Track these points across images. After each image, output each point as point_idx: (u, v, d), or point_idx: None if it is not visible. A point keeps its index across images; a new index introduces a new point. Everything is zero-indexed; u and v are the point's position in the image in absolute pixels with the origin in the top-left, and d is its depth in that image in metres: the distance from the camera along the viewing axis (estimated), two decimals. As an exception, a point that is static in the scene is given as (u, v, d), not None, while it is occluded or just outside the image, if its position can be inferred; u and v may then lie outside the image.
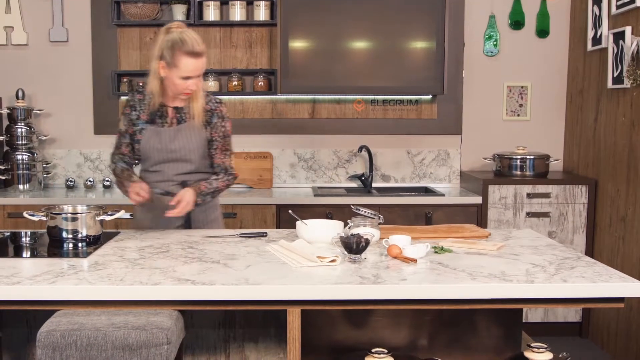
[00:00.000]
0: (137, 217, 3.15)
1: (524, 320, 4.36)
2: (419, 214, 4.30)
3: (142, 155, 3.04)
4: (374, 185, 4.82)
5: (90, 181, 4.72)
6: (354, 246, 2.38)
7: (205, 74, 4.61)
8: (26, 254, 2.66)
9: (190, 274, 2.22)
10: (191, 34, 2.87)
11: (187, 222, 3.09)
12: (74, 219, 2.66)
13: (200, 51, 2.85)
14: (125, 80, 4.68)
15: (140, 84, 4.42)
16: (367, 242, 2.39)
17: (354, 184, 4.88)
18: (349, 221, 2.73)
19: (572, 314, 4.49)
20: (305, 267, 2.32)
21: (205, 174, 3.08)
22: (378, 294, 2.10)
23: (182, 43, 2.83)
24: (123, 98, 4.75)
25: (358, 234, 2.42)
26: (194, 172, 3.04)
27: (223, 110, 3.06)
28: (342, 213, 4.11)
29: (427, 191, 4.73)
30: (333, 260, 2.35)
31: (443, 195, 4.41)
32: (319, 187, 4.78)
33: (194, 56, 2.84)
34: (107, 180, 4.72)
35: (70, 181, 4.72)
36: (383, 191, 4.70)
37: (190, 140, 2.99)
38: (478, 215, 4.34)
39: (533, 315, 4.45)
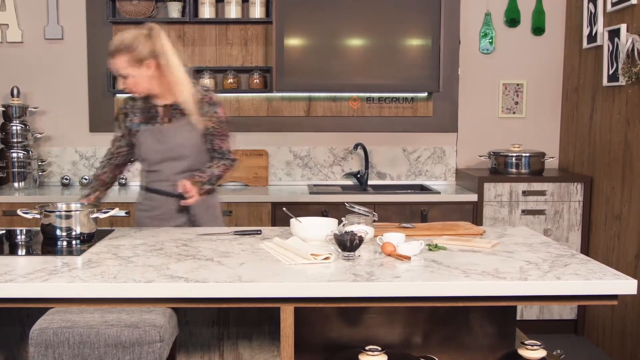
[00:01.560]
0: (137, 217, 3.16)
1: (519, 318, 4.39)
2: (415, 212, 4.30)
3: (141, 156, 3.05)
4: (369, 183, 4.82)
5: (85, 179, 4.71)
6: (348, 244, 2.37)
7: (201, 71, 4.66)
8: (21, 251, 2.65)
9: (183, 271, 2.22)
10: (123, 34, 2.88)
11: (191, 221, 3.09)
12: (68, 217, 2.65)
13: (111, 50, 2.86)
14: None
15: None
16: (361, 239, 2.39)
17: (349, 182, 4.88)
18: (343, 219, 2.73)
19: (567, 312, 4.50)
20: (299, 264, 2.31)
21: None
22: (371, 292, 2.10)
23: None
24: (118, 96, 4.75)
25: (352, 231, 2.42)
26: (191, 169, 3.03)
27: (212, 97, 3.03)
28: (338, 211, 4.11)
29: (422, 189, 4.73)
30: (327, 258, 2.35)
31: (439, 193, 4.41)
32: (314, 185, 4.78)
33: (108, 55, 2.88)
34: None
35: (66, 179, 4.71)
36: (379, 189, 4.70)
37: (186, 136, 2.99)
38: (474, 213, 4.34)
39: (528, 312, 4.45)
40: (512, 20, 4.83)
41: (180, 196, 2.95)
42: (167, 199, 3.04)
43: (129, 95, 3.04)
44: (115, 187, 4.72)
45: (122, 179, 4.74)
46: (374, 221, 2.78)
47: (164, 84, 2.95)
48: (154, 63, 2.89)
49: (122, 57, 2.84)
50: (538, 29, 4.84)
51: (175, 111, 3.00)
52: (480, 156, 4.77)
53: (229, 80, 4.68)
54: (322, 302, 2.14)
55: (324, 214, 4.19)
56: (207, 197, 3.07)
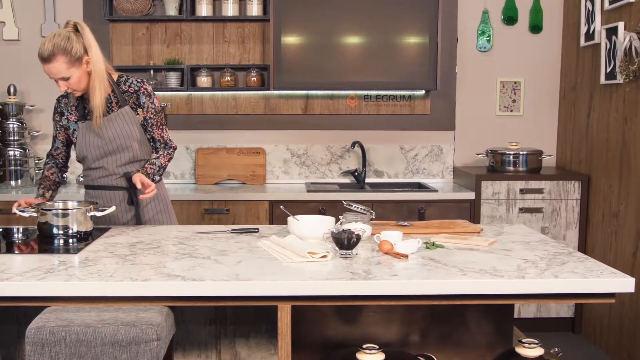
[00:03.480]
0: None
1: (517, 316, 4.39)
2: (412, 210, 4.29)
3: (81, 154, 3.03)
4: (367, 181, 4.82)
5: (82, 177, 4.70)
6: (345, 242, 2.37)
7: (198, 69, 4.66)
8: (17, 250, 2.64)
9: (180, 269, 2.21)
10: (52, 38, 2.79)
11: (137, 217, 3.07)
12: (65, 215, 2.65)
13: (45, 56, 2.78)
14: (117, 75, 4.66)
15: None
16: (358, 237, 2.38)
17: (347, 180, 4.88)
18: (340, 217, 2.73)
19: (564, 310, 4.50)
20: (296, 262, 2.31)
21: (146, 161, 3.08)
22: (369, 290, 2.10)
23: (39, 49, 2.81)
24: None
25: (349, 229, 2.41)
26: (134, 161, 3.03)
27: (148, 88, 3.03)
28: (335, 209, 4.11)
29: (420, 187, 4.73)
30: (324, 256, 2.35)
31: (436, 191, 4.41)
32: (312, 183, 4.78)
33: (42, 61, 2.81)
34: (100, 176, 4.70)
35: (63, 177, 4.69)
36: (376, 187, 4.69)
37: (123, 126, 2.97)
38: (471, 211, 4.34)
39: (526, 310, 4.45)
40: (510, 18, 4.83)
41: (129, 189, 2.98)
42: (114, 194, 3.03)
43: (61, 93, 3.01)
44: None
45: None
46: (371, 219, 2.78)
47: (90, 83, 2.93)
48: (88, 57, 2.86)
49: (60, 59, 2.78)
50: (535, 27, 4.84)
51: (109, 104, 2.98)
52: (478, 154, 4.77)
53: (226, 78, 4.67)
54: (319, 300, 2.14)
55: (321, 212, 4.19)
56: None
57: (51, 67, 2.81)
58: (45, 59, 2.79)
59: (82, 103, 3.00)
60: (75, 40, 2.81)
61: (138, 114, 3.00)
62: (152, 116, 3.02)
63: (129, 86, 2.99)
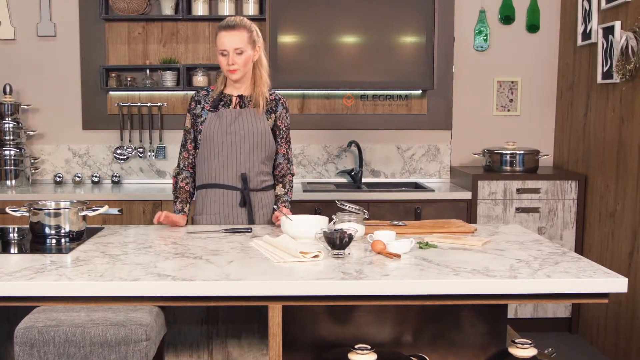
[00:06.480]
0: (198, 222, 3.15)
1: (513, 316, 4.38)
2: (409, 210, 4.28)
3: (202, 141, 3.07)
4: (363, 180, 4.81)
5: (78, 177, 4.69)
6: (337, 241, 2.36)
7: (194, 69, 4.64)
8: (11, 249, 2.62)
9: (171, 269, 2.20)
10: (236, 16, 3.06)
11: (250, 220, 3.11)
12: (57, 215, 2.63)
13: (232, 24, 2.98)
14: (113, 75, 4.65)
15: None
16: (351, 237, 2.37)
17: (343, 180, 4.86)
18: (333, 216, 2.72)
19: (561, 310, 4.48)
20: (287, 262, 2.30)
21: (263, 174, 3.13)
22: (360, 290, 2.09)
23: (220, 23, 3.03)
24: (112, 93, 4.73)
25: (342, 229, 2.40)
26: (252, 159, 3.06)
27: (287, 104, 3.19)
28: (331, 209, 4.09)
29: (416, 187, 4.71)
30: (316, 256, 2.34)
31: (433, 190, 4.40)
32: (308, 183, 4.76)
33: (226, 29, 2.97)
34: (96, 176, 4.69)
35: (59, 177, 4.69)
36: (373, 187, 4.68)
37: (250, 123, 3.05)
38: (468, 211, 4.33)
39: (522, 310, 4.44)
40: (507, 17, 4.82)
41: (242, 190, 3.05)
42: (228, 193, 3.07)
43: (200, 88, 3.12)
44: (108, 185, 4.71)
45: (115, 176, 4.71)
46: (365, 219, 2.77)
47: (255, 74, 3.09)
48: (259, 51, 3.07)
49: (243, 32, 2.98)
50: (533, 27, 4.83)
51: (247, 102, 3.09)
52: (475, 154, 4.75)
53: (223, 78, 4.65)
54: (310, 300, 2.13)
55: (317, 211, 4.18)
56: (266, 193, 3.15)
57: (234, 34, 2.96)
58: (231, 26, 2.97)
59: (220, 97, 3.09)
60: (256, 29, 3.06)
61: (269, 118, 3.10)
62: (284, 128, 3.16)
63: (271, 94, 3.15)
